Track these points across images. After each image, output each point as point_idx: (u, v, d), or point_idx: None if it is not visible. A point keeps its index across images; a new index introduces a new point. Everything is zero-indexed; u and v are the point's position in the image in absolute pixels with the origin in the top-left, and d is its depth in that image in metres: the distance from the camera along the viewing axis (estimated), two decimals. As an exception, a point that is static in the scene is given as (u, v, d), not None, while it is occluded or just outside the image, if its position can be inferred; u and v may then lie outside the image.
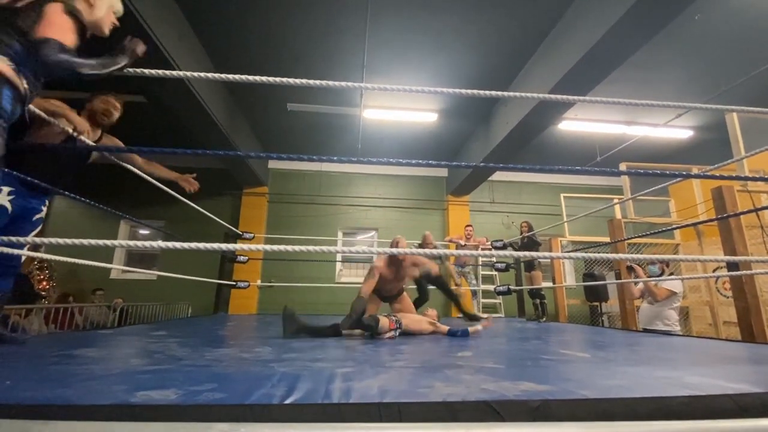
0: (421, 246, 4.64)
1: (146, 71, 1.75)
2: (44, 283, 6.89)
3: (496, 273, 7.28)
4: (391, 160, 1.75)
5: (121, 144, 2.48)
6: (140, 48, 1.67)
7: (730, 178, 2.58)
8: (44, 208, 2.22)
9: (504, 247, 6.06)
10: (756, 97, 5.51)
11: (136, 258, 8.19)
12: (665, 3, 3.22)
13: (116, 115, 2.38)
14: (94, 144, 2.29)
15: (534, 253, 2.22)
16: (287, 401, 0.98)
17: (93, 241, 1.49)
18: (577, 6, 4.07)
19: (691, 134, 6.87)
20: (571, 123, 6.56)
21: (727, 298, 5.04)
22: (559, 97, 2.13)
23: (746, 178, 2.86)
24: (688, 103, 2.01)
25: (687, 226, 5.08)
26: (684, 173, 1.87)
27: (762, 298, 3.52)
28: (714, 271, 5.12)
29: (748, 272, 2.95)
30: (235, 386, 1.15)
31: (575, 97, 2.21)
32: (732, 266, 3.27)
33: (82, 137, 2.16)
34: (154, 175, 2.72)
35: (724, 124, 4.18)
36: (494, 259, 6.29)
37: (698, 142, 7.12)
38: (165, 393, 1.04)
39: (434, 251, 4.31)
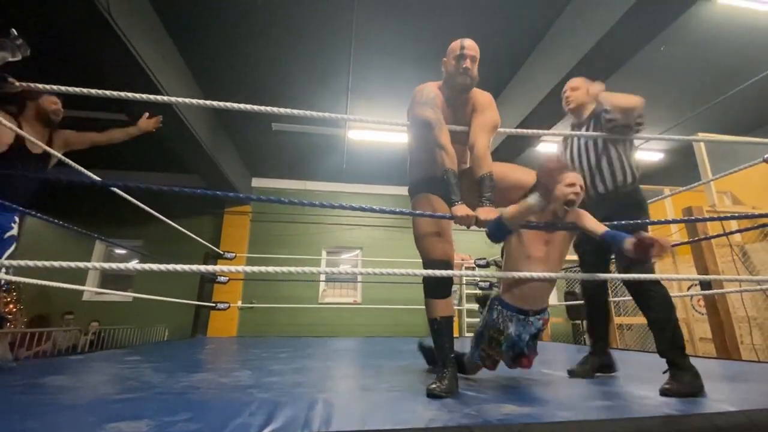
0: None
1: (131, 95, 1.73)
2: (11, 306, 6.54)
3: (480, 291, 7.30)
4: (365, 206, 1.78)
5: (73, 135, 2.35)
6: (25, 51, 1.51)
7: (705, 220, 2.77)
8: (14, 225, 2.09)
9: (487, 266, 6.11)
10: (719, 123, 5.83)
11: (110, 279, 7.89)
12: (636, 32, 3.47)
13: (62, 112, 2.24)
14: (47, 147, 2.14)
15: (516, 273, 2.24)
16: (265, 431, 0.96)
17: (65, 264, 1.43)
18: (558, 25, 4.28)
19: (662, 156, 7.20)
20: (549, 145, 6.77)
21: (702, 315, 5.18)
22: (524, 131, 2.42)
23: (721, 218, 2.97)
24: (658, 128, 2.11)
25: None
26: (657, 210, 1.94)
27: (734, 315, 3.63)
28: (689, 288, 5.26)
29: (720, 291, 3.05)
30: (212, 415, 1.12)
31: (541, 131, 2.46)
32: (705, 284, 3.38)
33: (36, 142, 2.01)
34: (115, 141, 2.50)
35: (692, 147, 4.40)
36: (478, 278, 6.32)
37: (669, 163, 7.45)
38: (137, 425, 1.00)
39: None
